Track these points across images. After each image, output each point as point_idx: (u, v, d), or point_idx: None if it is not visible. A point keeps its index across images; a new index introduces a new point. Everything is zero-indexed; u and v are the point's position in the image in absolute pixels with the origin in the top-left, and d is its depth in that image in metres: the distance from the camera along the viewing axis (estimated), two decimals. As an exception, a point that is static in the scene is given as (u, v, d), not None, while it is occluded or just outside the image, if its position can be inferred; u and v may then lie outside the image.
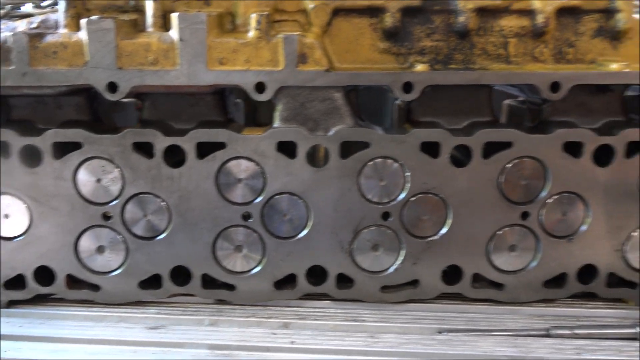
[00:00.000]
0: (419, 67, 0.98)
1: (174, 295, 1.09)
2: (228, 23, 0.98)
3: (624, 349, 0.96)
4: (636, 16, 1.03)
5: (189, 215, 1.02)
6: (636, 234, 1.05)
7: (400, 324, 1.03)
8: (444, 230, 1.04)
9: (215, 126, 1.01)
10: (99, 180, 1.01)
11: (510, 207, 1.03)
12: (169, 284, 1.06)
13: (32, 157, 1.00)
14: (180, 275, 1.07)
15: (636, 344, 0.97)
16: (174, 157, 1.01)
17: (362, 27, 1.00)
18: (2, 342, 0.96)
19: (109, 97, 0.97)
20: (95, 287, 1.07)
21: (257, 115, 1.19)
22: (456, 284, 1.07)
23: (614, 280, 1.08)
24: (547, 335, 0.99)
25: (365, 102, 1.14)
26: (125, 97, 0.97)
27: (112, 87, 0.96)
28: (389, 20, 0.98)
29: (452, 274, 1.08)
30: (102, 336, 0.99)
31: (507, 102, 1.21)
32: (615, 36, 1.01)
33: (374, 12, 0.99)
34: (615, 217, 1.03)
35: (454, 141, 1.00)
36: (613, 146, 1.00)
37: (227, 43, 0.95)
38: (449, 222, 1.04)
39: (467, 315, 1.07)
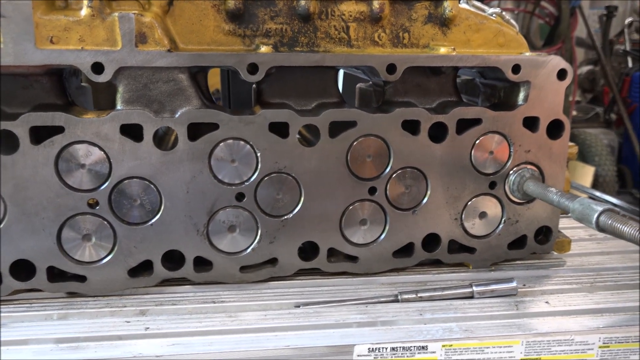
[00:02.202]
0: (264, 49, 1.00)
1: (18, 292, 1.02)
2: (60, 0, 0.93)
3: (460, 307, 1.05)
4: (462, 5, 1.13)
5: (28, 205, 0.96)
6: (471, 203, 1.15)
7: (259, 302, 1.05)
8: (298, 208, 1.08)
9: (54, 110, 0.96)
10: None
11: (359, 183, 1.09)
12: (10, 280, 0.99)
13: None
14: (25, 269, 1.00)
15: (471, 301, 1.07)
16: (11, 143, 0.95)
17: (205, 8, 1.00)
18: None
19: None
20: None
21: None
22: (313, 260, 1.11)
23: (455, 247, 1.18)
24: (396, 301, 1.07)
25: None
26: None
27: None
28: (230, 1, 0.99)
29: (309, 251, 1.12)
30: None
31: (358, 85, 1.28)
32: (443, 23, 1.10)
33: (216, -7, 1.00)
34: (451, 189, 1.13)
35: (302, 121, 1.03)
36: (445, 123, 1.09)
37: (58, 21, 0.90)
38: (302, 199, 1.07)
39: (325, 288, 1.11)
